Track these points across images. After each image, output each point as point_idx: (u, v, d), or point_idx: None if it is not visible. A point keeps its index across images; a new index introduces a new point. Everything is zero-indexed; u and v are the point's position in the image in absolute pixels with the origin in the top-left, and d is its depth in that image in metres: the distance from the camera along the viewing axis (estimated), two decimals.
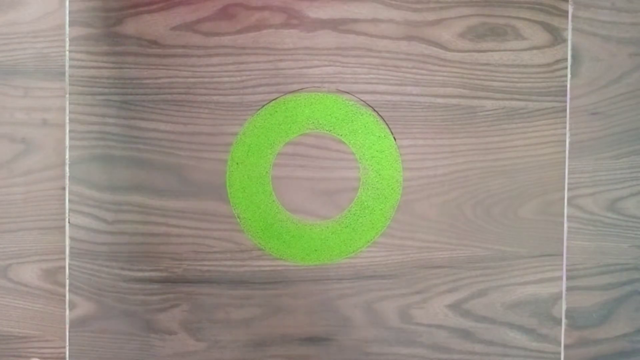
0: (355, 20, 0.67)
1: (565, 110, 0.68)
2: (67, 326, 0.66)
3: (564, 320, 0.68)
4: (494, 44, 0.67)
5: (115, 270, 0.66)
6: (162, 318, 0.67)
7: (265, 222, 0.67)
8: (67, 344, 0.67)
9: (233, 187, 0.67)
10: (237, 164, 0.67)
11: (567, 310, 0.68)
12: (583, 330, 0.68)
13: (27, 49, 0.66)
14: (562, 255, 0.68)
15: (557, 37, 0.67)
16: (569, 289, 0.68)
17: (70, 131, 0.66)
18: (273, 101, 0.67)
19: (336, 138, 0.67)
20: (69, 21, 0.65)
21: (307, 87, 0.67)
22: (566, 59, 0.68)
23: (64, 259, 0.66)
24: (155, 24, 0.66)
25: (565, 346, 0.68)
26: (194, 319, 0.67)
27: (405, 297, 0.67)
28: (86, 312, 0.66)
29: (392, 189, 0.67)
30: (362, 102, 0.67)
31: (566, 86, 0.68)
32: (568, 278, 0.68)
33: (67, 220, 0.66)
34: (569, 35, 0.67)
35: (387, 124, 0.67)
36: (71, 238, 0.66)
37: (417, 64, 0.67)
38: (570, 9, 0.67)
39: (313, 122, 0.67)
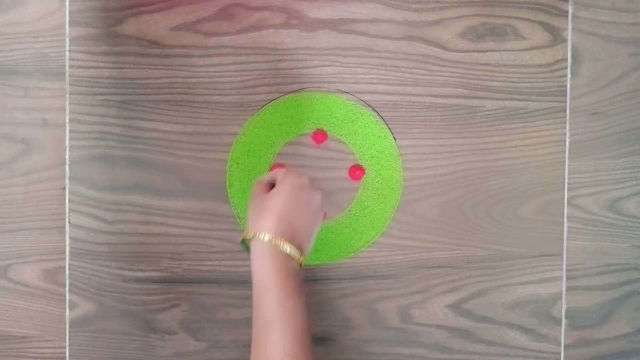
0: (355, 20, 0.67)
1: (565, 110, 0.68)
2: (67, 326, 0.66)
3: (564, 320, 0.68)
4: (494, 44, 0.67)
5: (115, 270, 0.66)
6: (162, 318, 0.67)
7: None
8: (67, 344, 0.67)
9: (233, 187, 0.67)
10: (237, 164, 0.67)
11: (567, 310, 0.68)
12: (583, 330, 0.68)
13: (27, 49, 0.66)
14: (562, 255, 0.68)
15: (557, 37, 0.67)
16: (569, 289, 0.68)
17: (70, 131, 0.66)
18: (273, 101, 0.67)
19: (336, 138, 0.67)
20: (69, 21, 0.65)
21: (307, 87, 0.67)
22: (566, 59, 0.68)
23: (64, 259, 0.66)
24: (155, 24, 0.66)
25: (565, 346, 0.68)
26: (194, 319, 0.67)
27: (405, 297, 0.67)
28: (86, 312, 0.66)
29: (392, 189, 0.67)
30: (362, 102, 0.67)
31: (566, 86, 0.68)
32: (568, 278, 0.68)
33: (67, 220, 0.66)
34: (569, 35, 0.67)
35: (387, 124, 0.67)
36: (71, 238, 0.66)
37: (417, 64, 0.67)
38: (570, 9, 0.67)
39: (313, 122, 0.67)
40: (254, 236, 0.54)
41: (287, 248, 0.54)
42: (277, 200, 0.56)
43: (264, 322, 0.52)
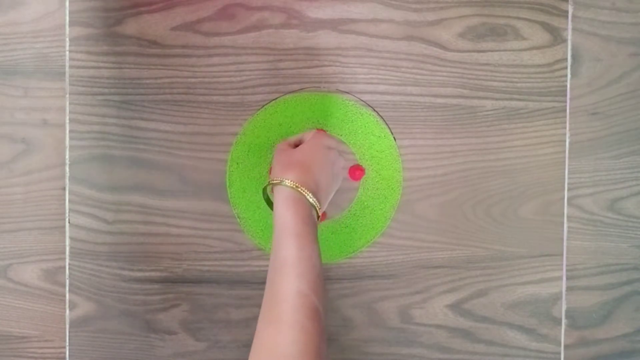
0: (355, 20, 0.67)
1: (565, 110, 0.68)
2: (67, 326, 0.66)
3: (564, 320, 0.68)
4: (494, 44, 0.67)
5: (115, 270, 0.66)
6: (162, 318, 0.67)
7: (265, 222, 0.67)
8: (67, 344, 0.67)
9: (233, 187, 0.67)
10: (237, 164, 0.67)
11: (567, 310, 0.68)
12: (583, 330, 0.68)
13: (27, 49, 0.66)
14: (562, 255, 0.68)
15: (557, 37, 0.67)
16: (569, 289, 0.68)
17: (70, 131, 0.66)
18: (273, 101, 0.67)
19: (336, 138, 0.67)
20: (69, 21, 0.65)
21: (307, 87, 0.67)
22: (566, 59, 0.68)
23: (64, 259, 0.66)
24: (155, 24, 0.66)
25: (565, 346, 0.68)
26: (194, 319, 0.67)
27: (405, 297, 0.67)
28: (86, 312, 0.66)
29: (392, 189, 0.67)
30: (362, 102, 0.67)
31: (566, 86, 0.68)
32: (568, 278, 0.68)
33: (67, 220, 0.66)
34: (569, 35, 0.67)
35: (387, 124, 0.67)
36: (71, 238, 0.66)
37: (417, 64, 0.67)
38: (570, 9, 0.67)
39: (313, 122, 0.67)
40: (280, 182, 0.56)
41: (310, 198, 0.55)
42: (305, 155, 0.59)
43: (280, 264, 0.52)
